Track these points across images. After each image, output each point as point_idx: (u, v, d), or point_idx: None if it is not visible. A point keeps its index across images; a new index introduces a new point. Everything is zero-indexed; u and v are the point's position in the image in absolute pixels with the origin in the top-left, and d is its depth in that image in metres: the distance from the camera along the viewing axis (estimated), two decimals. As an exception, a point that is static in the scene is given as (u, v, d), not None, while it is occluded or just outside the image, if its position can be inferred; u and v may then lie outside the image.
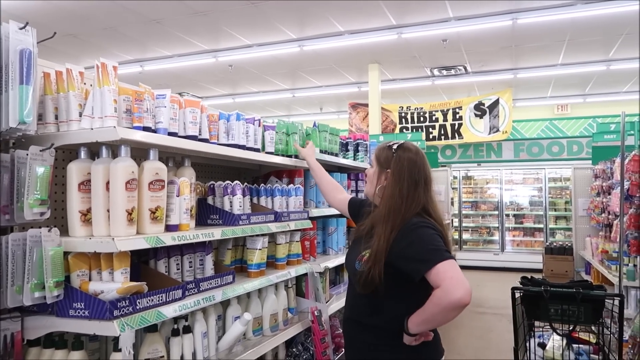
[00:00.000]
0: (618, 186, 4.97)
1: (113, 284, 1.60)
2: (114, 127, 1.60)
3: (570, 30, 7.37)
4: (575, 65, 9.23)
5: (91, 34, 7.43)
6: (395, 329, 1.76)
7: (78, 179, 1.66)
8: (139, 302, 1.61)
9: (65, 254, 1.59)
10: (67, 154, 1.86)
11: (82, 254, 1.64)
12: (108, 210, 1.65)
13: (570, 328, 2.93)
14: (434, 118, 10.92)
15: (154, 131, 1.80)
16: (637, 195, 4.65)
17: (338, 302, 3.06)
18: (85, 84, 1.79)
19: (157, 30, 7.33)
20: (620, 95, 11.41)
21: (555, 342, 3.14)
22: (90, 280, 1.65)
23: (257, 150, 2.46)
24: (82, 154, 1.70)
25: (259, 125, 2.50)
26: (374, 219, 1.86)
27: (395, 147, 1.90)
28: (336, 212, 3.19)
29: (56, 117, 1.71)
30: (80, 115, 1.69)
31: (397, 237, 1.74)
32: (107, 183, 1.65)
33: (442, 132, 10.89)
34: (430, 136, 10.93)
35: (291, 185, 2.80)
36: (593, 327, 3.14)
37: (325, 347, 2.70)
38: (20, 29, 1.49)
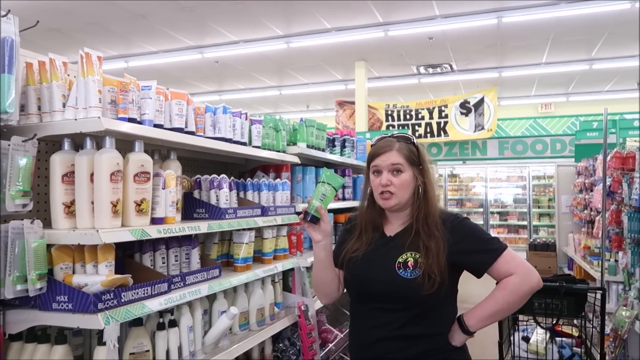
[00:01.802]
0: (600, 183, 5.05)
1: (97, 276, 1.57)
2: (99, 117, 1.57)
3: (554, 29, 7.46)
4: (559, 64, 9.34)
5: (75, 28, 7.32)
6: (442, 333, 1.65)
7: (61, 170, 1.64)
8: (123, 295, 1.59)
9: (49, 246, 1.57)
10: (51, 145, 1.83)
11: (66, 247, 1.62)
12: (92, 202, 1.62)
13: (554, 322, 2.97)
14: (420, 116, 10.98)
15: (140, 123, 1.78)
16: (619, 191, 4.73)
17: (325, 297, 3.06)
18: (69, 75, 1.76)
19: (142, 25, 7.24)
20: (602, 95, 11.58)
21: (538, 335, 3.18)
22: (74, 273, 1.62)
23: (243, 144, 2.45)
24: (66, 145, 1.68)
25: (246, 119, 2.49)
26: (383, 222, 1.76)
27: (414, 141, 1.74)
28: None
29: (39, 108, 1.68)
30: (64, 106, 1.66)
31: (445, 231, 1.63)
32: (92, 175, 1.63)
33: (428, 130, 10.95)
34: (417, 134, 10.97)
35: (278, 179, 2.79)
36: (576, 321, 3.19)
37: (312, 341, 2.70)
38: (2, 16, 1.46)
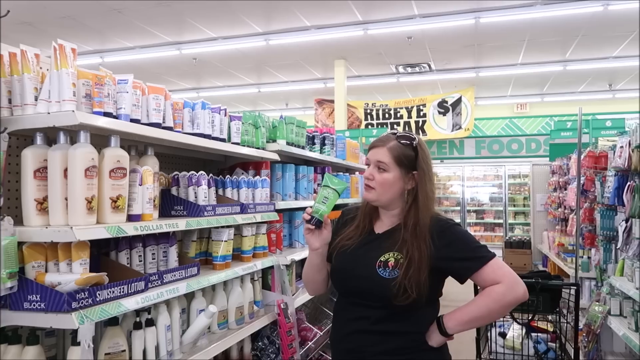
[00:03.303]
0: (574, 181, 5.15)
1: (71, 275, 1.53)
2: (73, 111, 1.53)
3: (529, 30, 7.59)
4: (534, 65, 9.51)
5: (48, 22, 7.14)
6: (418, 332, 1.64)
7: (34, 165, 1.58)
8: (99, 294, 1.55)
9: (20, 244, 1.51)
10: (22, 140, 1.77)
11: (38, 244, 1.57)
12: (66, 199, 1.58)
13: (530, 317, 3.02)
14: (398, 115, 11.05)
15: (116, 117, 1.74)
16: (592, 190, 4.83)
17: (304, 295, 3.05)
18: (41, 67, 1.71)
19: (117, 20, 7.10)
20: (575, 95, 11.85)
21: (515, 331, 3.23)
22: (46, 271, 1.57)
23: (222, 140, 2.42)
24: (38, 140, 1.62)
25: (225, 115, 2.46)
26: (374, 219, 1.74)
27: (415, 144, 1.67)
28: (303, 204, 3.18)
29: (10, 101, 1.62)
30: (36, 99, 1.61)
31: (432, 236, 1.61)
32: (65, 170, 1.58)
33: (407, 128, 11.02)
34: (395, 133, 11.04)
35: (257, 177, 2.76)
36: (550, 317, 3.24)
37: (292, 339, 2.68)
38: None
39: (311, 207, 1.70)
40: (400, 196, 1.68)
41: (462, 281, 1.67)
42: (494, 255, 1.62)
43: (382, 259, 1.62)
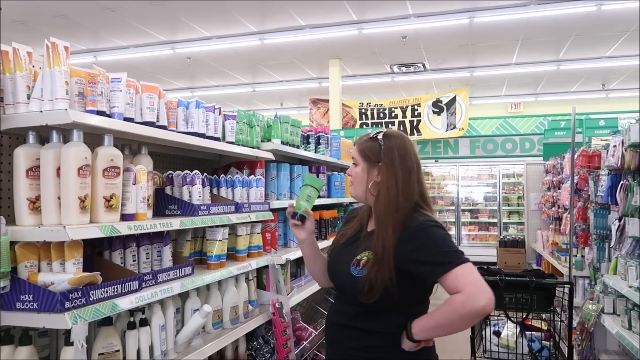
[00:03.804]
0: (568, 181, 5.18)
1: (64, 275, 1.52)
2: (66, 109, 1.52)
3: (524, 30, 7.62)
4: (528, 65, 9.55)
5: (41, 21, 7.09)
6: (392, 333, 1.61)
7: (26, 164, 1.57)
8: (92, 294, 1.54)
9: (12, 243, 1.50)
10: (14, 139, 1.75)
11: (31, 244, 1.55)
12: (59, 198, 1.57)
13: (524, 316, 3.03)
14: (393, 114, 11.06)
15: (109, 116, 1.72)
16: (585, 189, 4.86)
17: (299, 295, 3.05)
18: (34, 66, 1.70)
19: (111, 19, 7.07)
20: (569, 95, 11.91)
21: (509, 330, 3.23)
22: (39, 271, 1.56)
23: (217, 139, 2.41)
24: (31, 139, 1.61)
25: (219, 114, 2.45)
26: (368, 219, 1.74)
27: (380, 136, 1.70)
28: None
29: (1, 100, 1.61)
30: (29, 98, 1.59)
31: (403, 237, 1.58)
32: (58, 169, 1.57)
33: (401, 128, 11.03)
34: (390, 132, 11.06)
35: (252, 176, 2.75)
36: (544, 315, 3.26)
37: (287, 339, 2.68)
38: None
39: (292, 205, 1.87)
40: (369, 192, 1.71)
41: (429, 285, 1.64)
42: (464, 261, 1.50)
43: (357, 257, 1.65)
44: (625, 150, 3.49)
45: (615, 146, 3.73)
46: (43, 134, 1.64)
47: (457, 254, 1.53)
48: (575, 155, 4.88)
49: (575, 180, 4.83)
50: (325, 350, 1.93)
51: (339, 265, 1.71)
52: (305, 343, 2.93)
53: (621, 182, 3.62)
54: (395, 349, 1.61)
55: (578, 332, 3.84)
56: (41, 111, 1.56)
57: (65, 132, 1.62)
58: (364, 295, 1.57)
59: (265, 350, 2.67)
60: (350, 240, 1.75)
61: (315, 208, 3.59)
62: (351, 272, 1.63)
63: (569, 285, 3.01)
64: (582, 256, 4.97)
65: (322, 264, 1.89)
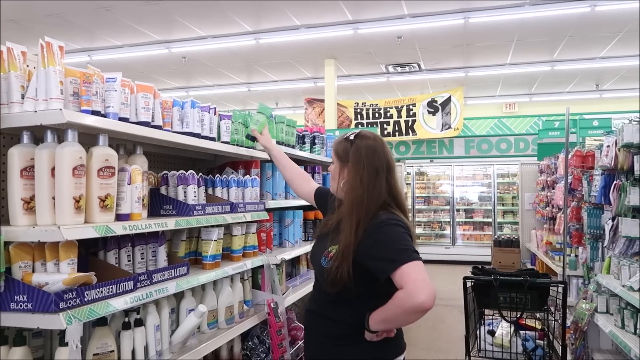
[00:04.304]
0: (562, 180, 5.20)
1: (59, 275, 1.51)
2: (60, 109, 1.51)
3: (518, 30, 7.64)
4: (523, 65, 9.58)
5: (35, 20, 7.05)
6: (358, 324, 1.72)
7: (20, 164, 1.57)
8: (87, 294, 1.54)
9: (6, 244, 1.50)
10: (8, 138, 1.75)
11: (25, 244, 1.55)
12: (53, 198, 1.56)
13: (518, 315, 3.05)
14: (388, 114, 11.07)
15: (104, 116, 1.72)
16: (579, 189, 4.89)
17: (294, 295, 3.05)
18: (28, 65, 1.69)
19: (106, 18, 7.04)
20: (563, 95, 11.96)
21: (503, 329, 3.25)
22: (33, 271, 1.56)
23: (212, 139, 2.41)
24: (25, 139, 1.61)
25: (215, 114, 2.45)
26: (340, 214, 1.79)
27: (352, 137, 1.82)
28: (293, 204, 3.18)
29: (-4, 99, 1.60)
30: (23, 97, 1.59)
31: (365, 234, 1.67)
32: (53, 169, 1.56)
33: (397, 128, 11.06)
34: (385, 132, 11.08)
35: (247, 176, 2.75)
36: (539, 315, 3.28)
37: (282, 339, 2.68)
38: None
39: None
40: (340, 187, 1.84)
41: (380, 281, 1.69)
42: (413, 259, 1.57)
43: (329, 249, 1.77)
44: (619, 151, 3.51)
45: (608, 146, 3.76)
46: (37, 134, 1.63)
47: (407, 252, 1.60)
48: (569, 155, 4.90)
49: (569, 180, 4.86)
50: None
51: (315, 255, 1.87)
52: (300, 343, 2.93)
53: (614, 182, 3.65)
54: (359, 338, 1.73)
55: (572, 331, 3.86)
56: (35, 111, 1.55)
57: (60, 132, 1.62)
58: (328, 286, 1.71)
59: (260, 350, 2.67)
60: (328, 230, 1.84)
61: (311, 208, 3.61)
62: (321, 262, 1.78)
63: (562, 285, 3.03)
64: (576, 256, 5.00)
65: (291, 172, 2.33)
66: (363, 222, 1.68)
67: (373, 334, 1.71)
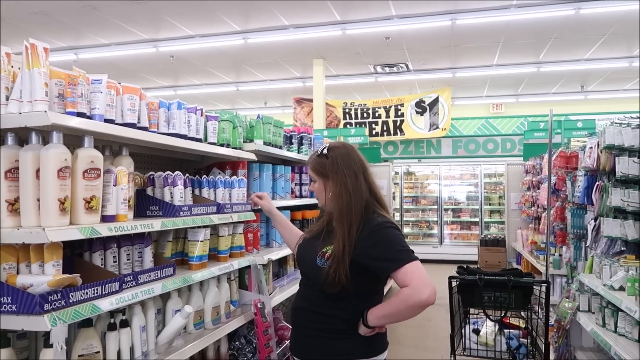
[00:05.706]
0: (546, 181, 5.27)
1: (43, 276, 1.52)
2: (45, 111, 1.51)
3: (505, 32, 7.73)
4: (509, 67, 9.69)
5: (21, 18, 6.98)
6: (350, 319, 1.83)
7: (5, 166, 1.56)
8: (72, 296, 1.54)
9: (-10, 245, 1.50)
10: (-8, 140, 1.74)
11: (9, 246, 1.55)
12: (38, 200, 1.56)
13: (502, 314, 3.09)
14: (376, 114, 11.13)
15: (89, 118, 1.72)
16: (563, 189, 4.96)
17: (281, 295, 3.07)
18: (12, 66, 1.68)
19: (92, 16, 6.99)
20: (549, 96, 12.10)
21: (488, 328, 3.30)
22: (18, 273, 1.56)
23: (199, 140, 2.41)
24: (9, 140, 1.60)
25: (201, 115, 2.45)
26: (330, 220, 1.91)
27: (325, 152, 1.94)
28: (280, 204, 3.19)
29: (-21, 101, 1.60)
30: (7, 99, 1.59)
31: (362, 235, 1.79)
32: (37, 171, 1.56)
33: (385, 128, 11.12)
34: (373, 132, 11.13)
35: (234, 177, 2.76)
36: (522, 313, 3.33)
37: (268, 339, 2.70)
38: None
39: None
40: (328, 202, 1.93)
41: (382, 279, 1.86)
42: (414, 259, 1.73)
43: (323, 250, 1.85)
44: (601, 152, 3.57)
45: (591, 148, 3.82)
46: (22, 136, 1.63)
47: (407, 252, 1.75)
48: (554, 156, 4.97)
49: (553, 181, 4.92)
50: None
51: (307, 255, 1.93)
52: (287, 342, 2.95)
53: (597, 183, 3.71)
54: (353, 332, 1.82)
55: (555, 330, 3.92)
56: (20, 113, 1.55)
57: (45, 134, 1.62)
58: (327, 285, 1.78)
59: (247, 350, 2.68)
60: (317, 234, 1.95)
61: (298, 208, 3.63)
62: (316, 262, 1.84)
63: (545, 284, 3.08)
64: (560, 255, 5.06)
65: (294, 233, 2.29)
66: (355, 223, 1.81)
67: (369, 329, 1.80)
